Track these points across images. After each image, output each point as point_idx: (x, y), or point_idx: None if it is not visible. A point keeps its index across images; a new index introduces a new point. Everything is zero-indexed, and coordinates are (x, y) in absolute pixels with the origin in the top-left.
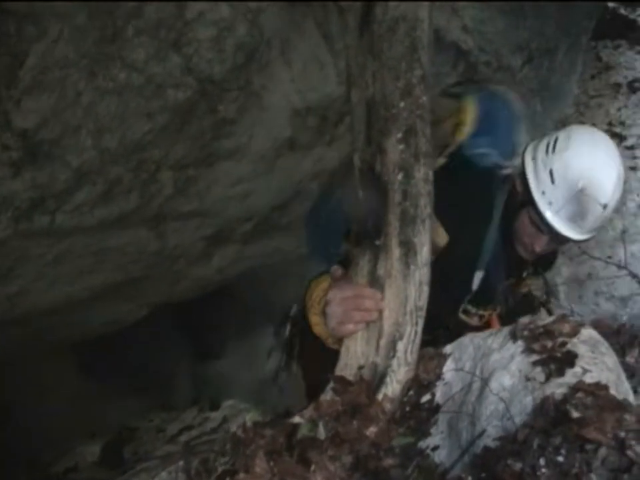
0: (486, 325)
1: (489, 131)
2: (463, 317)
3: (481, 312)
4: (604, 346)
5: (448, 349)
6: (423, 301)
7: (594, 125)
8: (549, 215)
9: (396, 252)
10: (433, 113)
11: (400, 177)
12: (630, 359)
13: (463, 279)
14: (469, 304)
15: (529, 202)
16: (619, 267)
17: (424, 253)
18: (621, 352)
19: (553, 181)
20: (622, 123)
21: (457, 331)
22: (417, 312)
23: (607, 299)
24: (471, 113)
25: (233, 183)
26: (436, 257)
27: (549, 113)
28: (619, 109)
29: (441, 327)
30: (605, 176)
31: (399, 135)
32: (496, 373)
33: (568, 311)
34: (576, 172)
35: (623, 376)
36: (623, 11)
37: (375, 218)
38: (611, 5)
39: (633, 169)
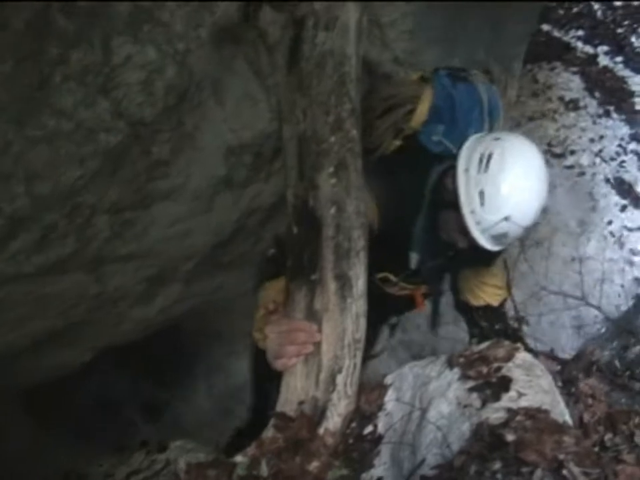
0: (407, 297)
1: (445, 119)
2: (379, 283)
3: (403, 284)
4: (539, 368)
5: (389, 379)
6: (361, 333)
7: None
8: (476, 233)
9: (332, 286)
10: (393, 97)
11: (332, 211)
12: (584, 386)
13: (398, 255)
14: (402, 279)
15: (458, 211)
16: (578, 298)
17: (360, 285)
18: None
19: (482, 204)
20: (561, 143)
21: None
22: (354, 344)
23: (564, 327)
24: (427, 100)
25: (171, 223)
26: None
27: None
28: (558, 129)
29: None
30: (532, 205)
31: (331, 170)
32: (434, 402)
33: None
34: (506, 201)
35: (559, 397)
36: (557, 34)
37: (309, 253)
38: (545, 28)
39: (574, 190)
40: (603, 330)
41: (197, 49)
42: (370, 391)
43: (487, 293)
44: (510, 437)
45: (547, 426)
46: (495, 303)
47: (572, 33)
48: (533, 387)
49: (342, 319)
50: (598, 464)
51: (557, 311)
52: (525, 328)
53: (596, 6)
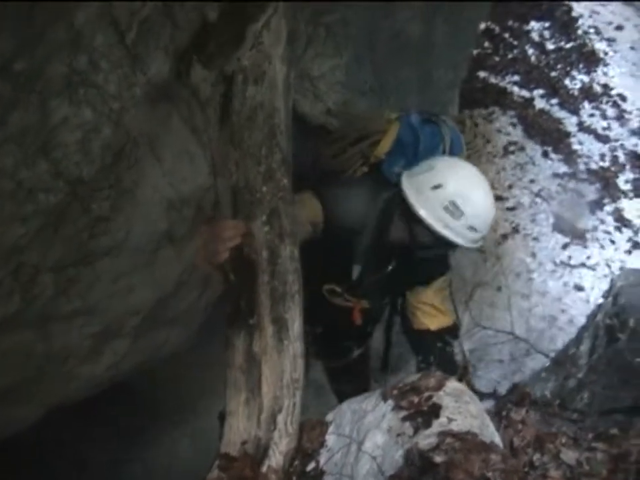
0: (348, 309)
1: (408, 154)
2: (326, 294)
3: (347, 296)
4: (468, 395)
5: (329, 416)
6: (299, 373)
7: None
8: (456, 239)
9: (269, 329)
10: (364, 129)
11: (267, 257)
12: (516, 416)
13: (341, 267)
14: (344, 290)
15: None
16: (507, 333)
17: (296, 328)
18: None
19: (472, 229)
20: (502, 186)
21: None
22: (293, 384)
23: (496, 361)
24: (392, 134)
25: (114, 278)
26: (320, 240)
27: None
28: (498, 172)
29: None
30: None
31: (264, 218)
32: (369, 433)
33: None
34: (479, 222)
35: (488, 420)
36: (493, 80)
37: (246, 298)
38: (482, 74)
39: (515, 229)
40: (540, 366)
41: (132, 108)
42: (311, 429)
43: (426, 314)
44: (439, 459)
45: (475, 446)
46: (432, 326)
47: (508, 78)
48: (462, 413)
49: (280, 361)
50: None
51: (491, 345)
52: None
53: (530, 51)
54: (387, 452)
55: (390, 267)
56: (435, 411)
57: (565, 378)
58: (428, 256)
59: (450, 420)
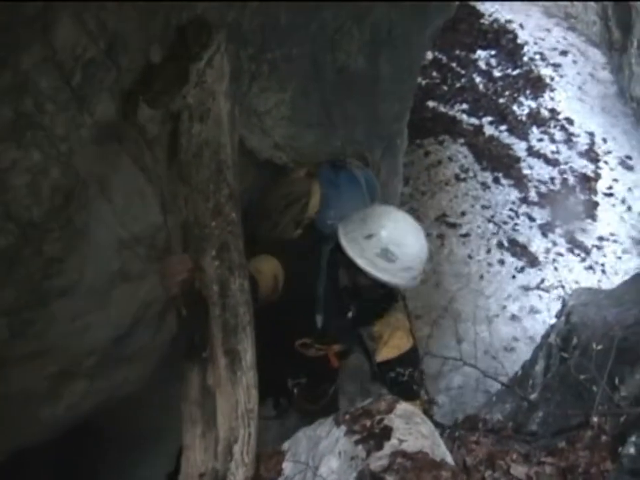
0: (324, 357)
1: (333, 205)
2: (299, 349)
3: (318, 346)
4: (419, 416)
5: (285, 445)
6: (253, 404)
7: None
8: (398, 282)
9: (222, 361)
10: (292, 194)
11: (218, 290)
12: (470, 438)
13: (305, 319)
14: (314, 340)
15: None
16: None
17: (248, 358)
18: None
19: (408, 269)
20: (455, 213)
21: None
22: (248, 414)
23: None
24: (317, 192)
25: (70, 319)
26: (281, 298)
27: None
28: (450, 200)
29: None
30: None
31: (213, 252)
32: (324, 458)
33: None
34: (413, 262)
35: (439, 440)
36: (442, 109)
37: (199, 332)
38: (431, 104)
39: (470, 257)
40: (494, 390)
41: (81, 149)
42: (268, 458)
43: (378, 347)
44: (391, 479)
45: (426, 465)
46: (378, 358)
47: (457, 106)
48: (412, 434)
49: (234, 392)
50: None
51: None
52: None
53: (478, 79)
54: (341, 476)
55: (350, 313)
56: (386, 433)
57: (521, 399)
58: (374, 297)
59: (401, 441)
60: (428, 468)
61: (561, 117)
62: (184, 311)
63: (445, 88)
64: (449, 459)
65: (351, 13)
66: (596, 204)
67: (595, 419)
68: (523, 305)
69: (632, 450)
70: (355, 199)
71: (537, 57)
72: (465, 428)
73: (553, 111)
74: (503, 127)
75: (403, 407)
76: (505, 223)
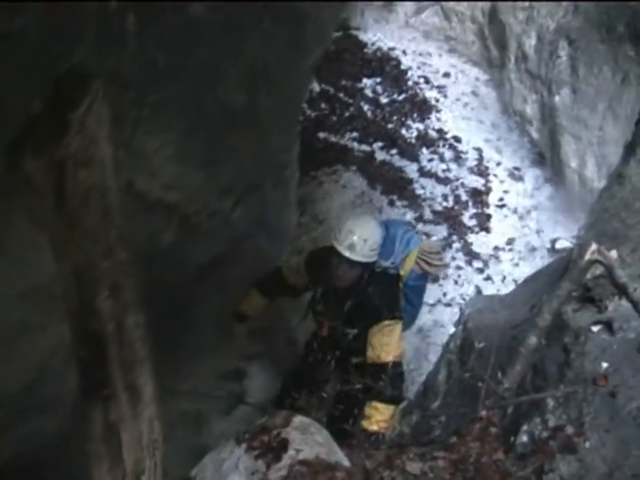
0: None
1: None
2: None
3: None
4: (314, 427)
5: (193, 472)
6: (157, 434)
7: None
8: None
9: (123, 396)
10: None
11: (113, 328)
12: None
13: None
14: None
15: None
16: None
17: (148, 391)
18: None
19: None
20: None
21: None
22: (152, 445)
23: None
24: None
25: None
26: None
27: (277, 246)
28: None
29: None
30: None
31: (106, 293)
32: (228, 478)
33: None
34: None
35: (335, 447)
36: (333, 139)
37: (99, 371)
38: (322, 135)
39: None
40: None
41: None
42: None
43: (375, 350)
44: None
45: (321, 469)
46: (368, 361)
47: (347, 135)
48: (308, 443)
49: (137, 425)
50: None
51: None
52: None
53: (365, 107)
54: None
55: (346, 306)
56: (283, 445)
57: (425, 409)
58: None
59: (298, 451)
60: (323, 470)
61: (448, 136)
62: (82, 352)
63: (334, 118)
64: (346, 463)
65: (226, 50)
66: (489, 216)
67: (483, 412)
68: (426, 320)
69: (524, 438)
70: None
71: (421, 80)
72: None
73: (440, 131)
74: (394, 151)
75: (298, 419)
76: None
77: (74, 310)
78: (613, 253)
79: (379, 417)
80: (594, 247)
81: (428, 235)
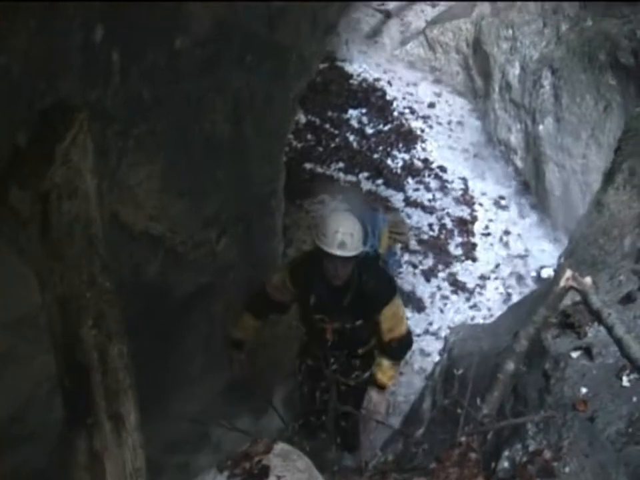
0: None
1: None
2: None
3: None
4: (295, 454)
5: None
6: (140, 462)
7: None
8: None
9: (107, 425)
10: None
11: (97, 358)
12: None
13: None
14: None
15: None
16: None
17: (132, 420)
18: None
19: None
20: None
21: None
22: (135, 473)
23: None
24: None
25: None
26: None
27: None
28: None
29: None
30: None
31: (90, 322)
32: None
33: None
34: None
35: (316, 473)
36: (320, 169)
37: (82, 399)
38: (308, 166)
39: None
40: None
41: None
42: None
43: (393, 330)
44: None
45: None
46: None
47: (333, 166)
48: (290, 470)
49: (121, 453)
50: None
51: None
52: None
53: (351, 138)
54: None
55: (345, 300)
56: (265, 472)
57: (409, 436)
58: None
59: (279, 477)
60: None
61: (434, 165)
62: (66, 380)
63: (321, 149)
64: None
65: (211, 82)
66: (474, 245)
67: (463, 438)
68: (413, 349)
69: (506, 464)
70: None
71: (407, 110)
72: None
73: (426, 161)
74: (380, 181)
75: (280, 446)
76: None
77: (58, 339)
78: (587, 280)
79: (392, 372)
80: (569, 273)
81: (413, 265)
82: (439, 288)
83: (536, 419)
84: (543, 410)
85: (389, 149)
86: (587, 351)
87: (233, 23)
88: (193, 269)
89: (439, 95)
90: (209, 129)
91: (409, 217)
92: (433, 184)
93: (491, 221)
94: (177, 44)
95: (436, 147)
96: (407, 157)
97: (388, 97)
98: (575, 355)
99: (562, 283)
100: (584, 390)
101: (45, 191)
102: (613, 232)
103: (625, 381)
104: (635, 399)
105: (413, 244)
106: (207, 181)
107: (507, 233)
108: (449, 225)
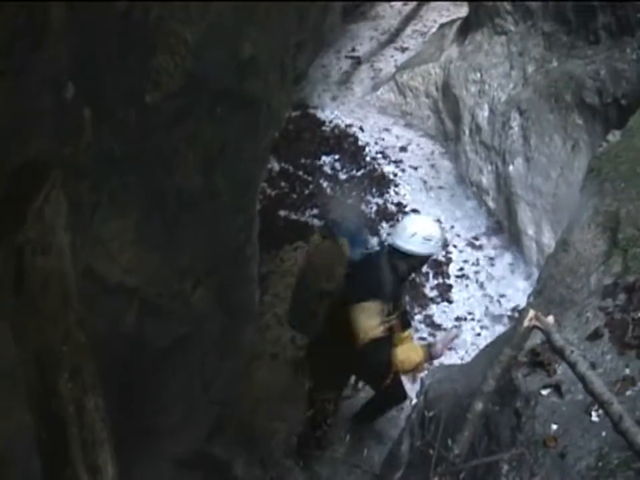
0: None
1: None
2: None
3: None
4: None
5: None
6: None
7: None
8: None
9: (84, 477)
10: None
11: (73, 411)
12: None
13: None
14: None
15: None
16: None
17: (109, 470)
18: None
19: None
20: None
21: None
22: None
23: None
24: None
25: None
26: None
27: (239, 324)
28: None
29: None
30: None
31: (66, 375)
32: None
33: None
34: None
35: None
36: (294, 216)
37: (59, 451)
38: (282, 213)
39: None
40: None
41: None
42: None
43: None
44: None
45: None
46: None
47: (307, 212)
48: None
49: None
50: None
51: None
52: None
53: (325, 184)
54: None
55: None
56: None
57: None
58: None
59: None
60: None
61: (407, 209)
62: (43, 433)
63: (294, 196)
64: None
65: (181, 136)
66: (450, 286)
67: (435, 479)
68: None
69: None
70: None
71: (379, 155)
72: None
73: (399, 204)
74: None
75: None
76: None
77: (35, 393)
78: (550, 318)
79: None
80: (531, 313)
81: None
82: (416, 330)
83: (506, 457)
84: (515, 448)
85: (362, 194)
86: (557, 388)
87: (203, 76)
88: (169, 320)
89: (410, 138)
90: (180, 180)
91: None
92: None
93: (465, 262)
94: (147, 99)
95: (409, 191)
96: (380, 201)
97: (360, 143)
98: (545, 392)
99: (525, 323)
100: (554, 427)
101: (18, 247)
102: (580, 270)
103: (594, 416)
104: (604, 433)
105: None
106: (181, 233)
107: (481, 273)
108: (424, 267)
